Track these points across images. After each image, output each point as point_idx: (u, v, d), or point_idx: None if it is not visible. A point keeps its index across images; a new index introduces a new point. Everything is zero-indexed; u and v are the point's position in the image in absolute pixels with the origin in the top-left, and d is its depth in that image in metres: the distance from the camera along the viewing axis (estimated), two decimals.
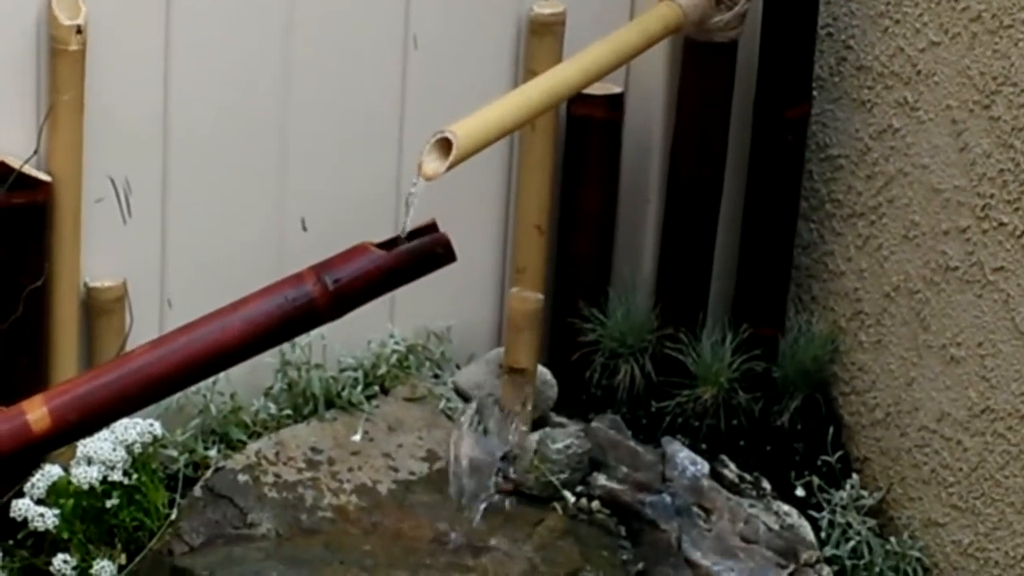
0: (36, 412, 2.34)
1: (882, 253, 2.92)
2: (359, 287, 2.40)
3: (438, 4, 2.87)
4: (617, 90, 2.94)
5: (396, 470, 2.80)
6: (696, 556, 2.75)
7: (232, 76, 2.78)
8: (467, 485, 2.74)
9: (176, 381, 2.40)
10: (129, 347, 2.71)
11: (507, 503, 2.77)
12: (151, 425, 2.66)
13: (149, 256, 2.78)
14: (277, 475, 2.75)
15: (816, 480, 2.93)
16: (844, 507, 2.90)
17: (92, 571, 2.60)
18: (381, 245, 2.39)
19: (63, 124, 2.64)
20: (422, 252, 2.39)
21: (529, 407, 2.83)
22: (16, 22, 2.62)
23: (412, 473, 2.80)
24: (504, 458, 2.78)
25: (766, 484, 2.90)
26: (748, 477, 2.89)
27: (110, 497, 2.63)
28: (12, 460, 2.40)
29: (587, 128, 2.96)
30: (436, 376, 2.95)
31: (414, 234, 2.39)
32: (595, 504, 2.79)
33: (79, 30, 2.60)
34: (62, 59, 2.61)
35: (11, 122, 2.64)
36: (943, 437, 2.84)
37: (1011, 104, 2.68)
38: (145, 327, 2.74)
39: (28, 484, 2.63)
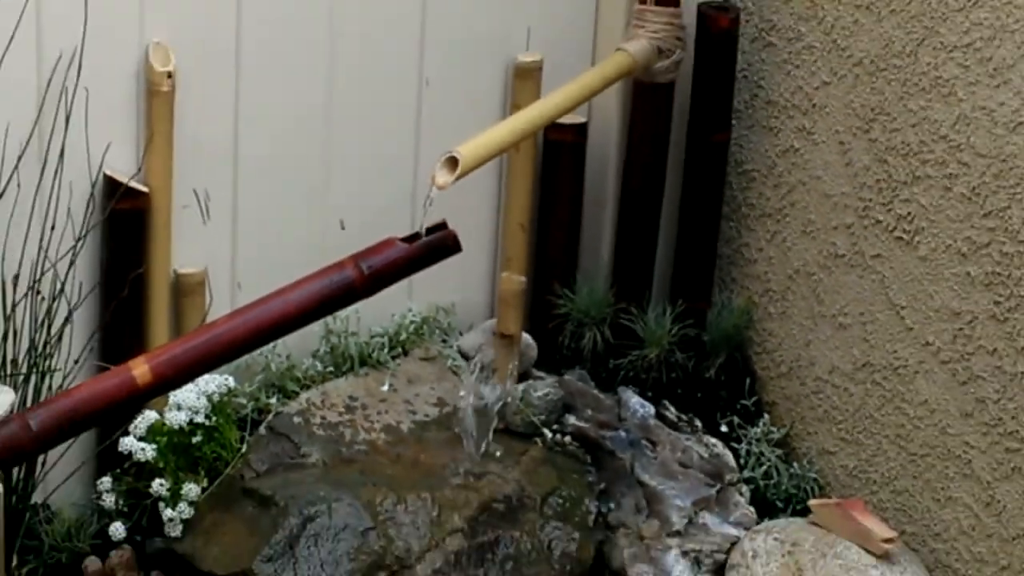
0: (140, 369, 2.33)
1: (786, 244, 2.91)
2: (387, 272, 2.38)
3: (444, 53, 2.85)
4: (582, 120, 2.93)
5: (414, 413, 2.80)
6: (645, 478, 2.75)
7: (287, 109, 2.76)
8: (472, 425, 2.72)
9: (247, 345, 2.39)
10: (209, 319, 2.70)
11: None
12: (226, 379, 2.66)
13: (223, 249, 2.77)
14: (323, 417, 2.75)
15: (736, 419, 2.93)
16: (758, 440, 2.89)
17: (181, 492, 2.60)
18: (404, 239, 2.38)
19: (157, 148, 2.63)
20: (435, 245, 2.38)
21: (516, 364, 2.81)
22: (122, 70, 2.61)
23: (427, 415, 2.80)
24: (499, 405, 2.76)
25: (698, 422, 2.89)
26: (684, 417, 2.88)
27: (195, 435, 2.64)
28: (121, 408, 2.38)
29: (559, 150, 2.94)
30: (444, 341, 2.93)
31: (429, 231, 2.38)
32: (567, 439, 2.79)
33: (169, 75, 2.60)
34: (156, 98, 2.61)
35: (120, 148, 2.63)
36: (833, 385, 2.84)
37: (885, 129, 2.69)
38: (221, 304, 2.74)
39: (132, 426, 2.63)
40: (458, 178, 2.44)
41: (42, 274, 2.57)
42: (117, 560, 2.61)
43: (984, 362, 2.58)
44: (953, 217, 2.60)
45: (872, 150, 2.71)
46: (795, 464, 2.88)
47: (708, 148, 2.94)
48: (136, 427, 2.62)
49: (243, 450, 2.68)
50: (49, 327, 2.56)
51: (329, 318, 2.71)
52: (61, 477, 2.67)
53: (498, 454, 2.74)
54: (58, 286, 2.58)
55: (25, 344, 2.56)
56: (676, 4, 2.85)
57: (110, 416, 2.45)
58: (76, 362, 2.63)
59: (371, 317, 2.85)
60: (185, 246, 2.72)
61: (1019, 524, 2.56)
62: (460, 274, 2.86)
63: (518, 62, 2.89)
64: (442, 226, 2.39)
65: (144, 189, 2.63)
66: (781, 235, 2.91)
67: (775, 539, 2.68)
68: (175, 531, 2.61)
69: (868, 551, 2.63)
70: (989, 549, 2.61)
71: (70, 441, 2.51)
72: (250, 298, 2.49)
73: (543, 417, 2.80)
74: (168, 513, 2.60)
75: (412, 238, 2.39)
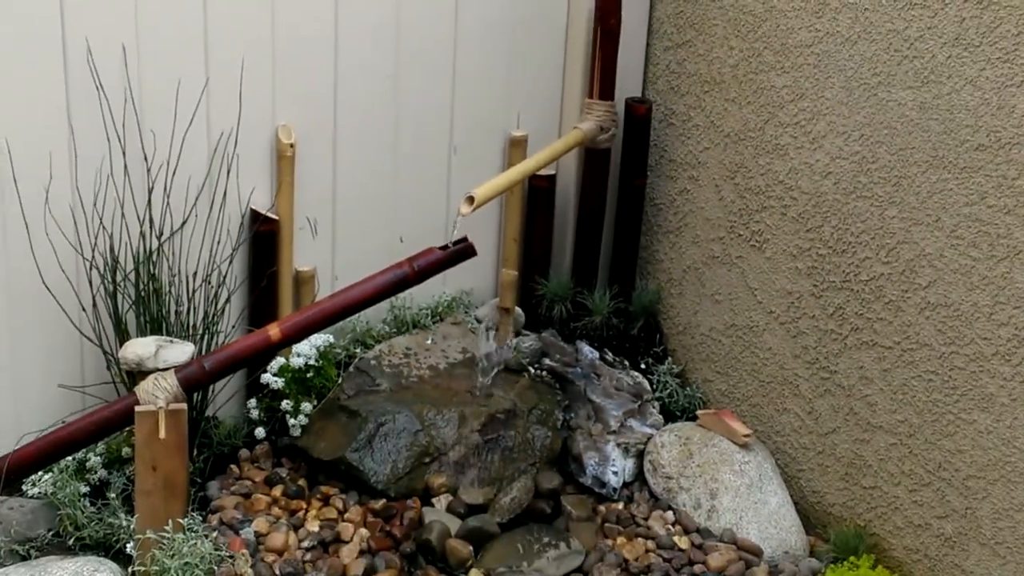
0: (273, 330, 2.35)
1: (681, 250, 2.89)
2: (430, 268, 2.38)
3: (466, 130, 2.82)
4: (553, 173, 2.90)
5: (448, 357, 2.77)
6: (593, 397, 2.74)
7: (366, 167, 2.74)
8: (484, 365, 2.71)
9: (341, 315, 2.38)
10: (317, 300, 2.69)
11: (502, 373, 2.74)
12: (328, 337, 2.64)
13: (326, 255, 2.74)
14: (390, 360, 2.73)
15: (650, 360, 2.91)
16: (664, 373, 2.87)
17: (300, 408, 2.58)
18: (440, 248, 2.38)
19: (284, 191, 2.61)
20: (460, 252, 2.38)
21: (511, 327, 2.81)
22: (261, 142, 2.59)
23: (455, 359, 2.77)
24: (501, 352, 2.75)
25: (627, 362, 2.87)
26: (618, 359, 2.87)
27: (309, 372, 2.62)
28: (261, 355, 2.39)
29: (538, 191, 2.91)
30: (466, 312, 2.90)
31: (456, 243, 2.38)
32: (544, 373, 2.78)
33: (292, 145, 2.58)
34: (283, 160, 2.59)
35: (260, 191, 2.61)
36: (712, 339, 2.83)
37: (744, 177, 2.67)
38: (325, 290, 2.71)
39: (269, 366, 2.61)
40: (474, 209, 2.43)
41: (211, 271, 2.56)
42: (260, 451, 2.62)
43: (807, 323, 2.58)
44: (787, 232, 2.59)
45: (736, 190, 2.70)
46: (688, 388, 2.86)
47: (632, 189, 2.92)
48: (271, 367, 2.62)
49: (339, 381, 2.66)
50: (216, 304, 2.56)
51: (393, 298, 2.67)
52: (224, 399, 2.67)
53: (500, 383, 2.71)
54: (221, 279, 2.57)
55: (200, 315, 2.55)
56: (611, 98, 2.82)
57: (255, 360, 2.46)
58: (233, 327, 2.63)
59: (420, 297, 2.83)
60: (302, 253, 2.69)
61: (829, 425, 2.56)
62: (476, 270, 2.83)
63: (512, 136, 2.87)
64: (464, 240, 2.39)
65: (276, 217, 2.62)
66: (678, 245, 2.90)
67: (675, 435, 2.67)
68: (296, 432, 2.60)
69: (734, 442, 2.63)
70: (810, 441, 2.61)
71: (230, 376, 2.53)
72: (343, 286, 2.50)
73: (528, 360, 2.78)
74: (291, 421, 2.59)
75: (445, 247, 2.38)
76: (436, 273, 2.42)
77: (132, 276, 2.47)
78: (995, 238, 2.19)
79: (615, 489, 2.60)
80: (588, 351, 2.84)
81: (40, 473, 2.43)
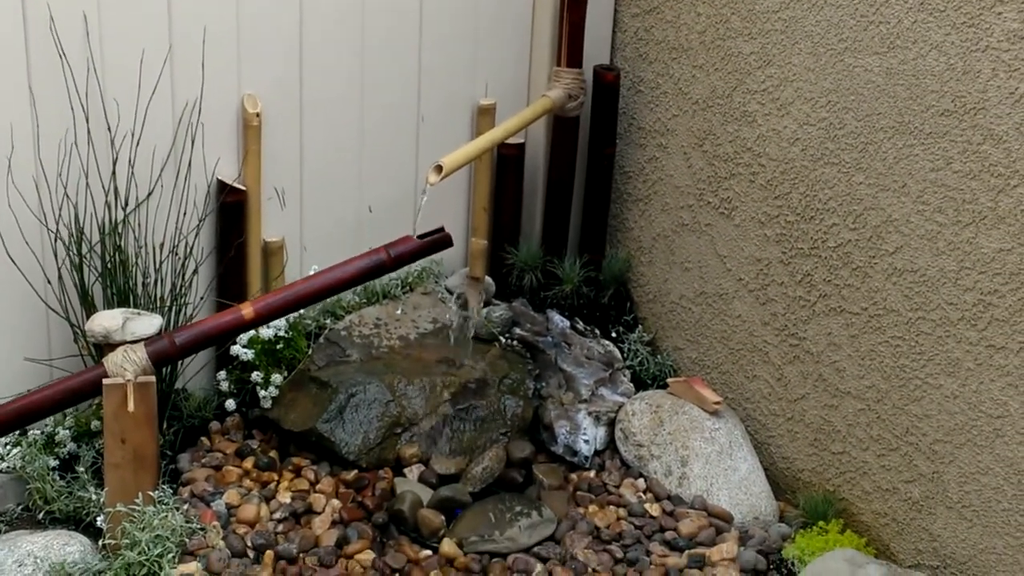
0: (247, 309, 2.36)
1: (651, 218, 2.89)
2: (406, 256, 2.41)
3: (434, 100, 2.81)
4: (521, 141, 2.89)
5: (418, 327, 2.77)
6: (564, 366, 2.74)
7: (333, 136, 2.72)
8: (454, 334, 2.71)
9: (316, 298, 2.40)
10: (286, 271, 2.67)
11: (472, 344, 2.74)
12: (299, 312, 2.60)
13: (294, 225, 2.73)
14: (360, 331, 2.73)
15: (621, 329, 2.91)
16: (634, 341, 2.87)
17: (270, 380, 2.58)
18: (419, 237, 2.39)
19: (251, 161, 2.60)
20: (436, 242, 2.41)
21: (482, 296, 2.81)
22: (226, 111, 2.57)
23: (425, 329, 2.77)
24: (471, 322, 2.74)
25: (597, 331, 2.87)
26: (588, 328, 2.87)
27: (279, 344, 2.62)
28: (234, 333, 2.40)
29: (507, 159, 2.90)
30: (436, 282, 2.90)
31: (431, 233, 2.39)
32: (515, 342, 2.78)
33: (257, 114, 2.56)
34: (249, 129, 2.58)
35: (226, 161, 2.60)
36: (682, 307, 2.84)
37: (712, 144, 2.67)
38: (293, 260, 2.71)
39: (239, 339, 2.59)
40: (443, 178, 2.43)
41: (178, 242, 2.55)
42: (230, 423, 2.61)
43: (775, 290, 2.59)
44: (756, 199, 2.60)
45: (704, 157, 2.71)
46: (658, 356, 2.87)
47: (601, 158, 2.91)
48: (241, 339, 2.60)
49: (309, 352, 2.65)
50: (183, 276, 2.55)
51: None
52: (194, 371, 2.66)
53: (471, 353, 2.71)
54: (188, 250, 2.56)
55: (168, 287, 2.55)
56: (579, 66, 2.82)
57: (227, 339, 2.46)
58: (201, 298, 2.62)
59: None
60: (270, 223, 2.68)
61: (798, 392, 2.58)
62: None
63: (480, 104, 2.86)
64: (441, 230, 2.40)
65: (242, 188, 2.60)
66: (648, 212, 2.90)
67: (646, 403, 2.68)
68: (267, 404, 2.60)
69: (704, 410, 2.64)
70: (779, 407, 2.63)
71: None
72: (312, 257, 2.50)
73: (499, 329, 2.78)
74: (262, 393, 2.59)
75: (422, 236, 2.39)
76: (412, 261, 2.42)
77: (98, 248, 2.46)
78: (960, 203, 2.21)
79: (586, 457, 2.61)
80: (559, 320, 2.84)
81: (8, 447, 2.43)
